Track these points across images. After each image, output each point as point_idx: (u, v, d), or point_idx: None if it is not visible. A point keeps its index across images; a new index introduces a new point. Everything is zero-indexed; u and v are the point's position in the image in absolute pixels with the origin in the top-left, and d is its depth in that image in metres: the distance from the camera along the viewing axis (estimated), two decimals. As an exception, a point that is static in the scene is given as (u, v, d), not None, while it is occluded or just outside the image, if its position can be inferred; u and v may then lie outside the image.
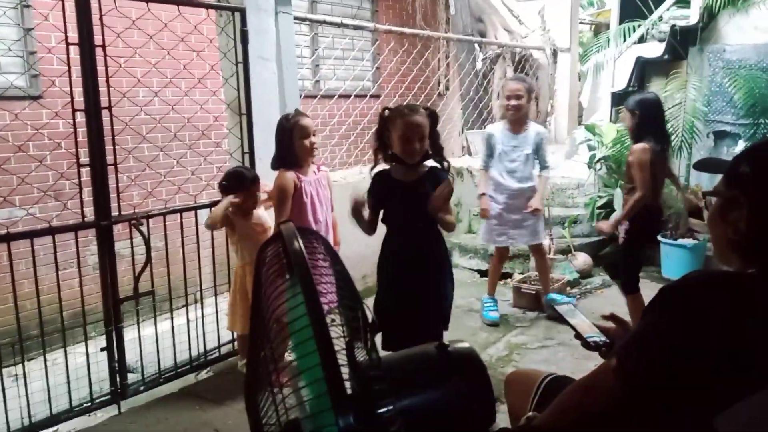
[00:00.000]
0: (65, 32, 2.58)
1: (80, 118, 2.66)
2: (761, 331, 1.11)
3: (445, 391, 1.01)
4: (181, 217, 3.10)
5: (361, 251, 3.20)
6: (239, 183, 3.01)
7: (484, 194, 3.94)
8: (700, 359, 1.13)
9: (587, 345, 1.56)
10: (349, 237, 3.11)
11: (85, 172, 2.71)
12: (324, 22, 4.26)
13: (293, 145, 2.98)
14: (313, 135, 3.06)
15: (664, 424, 1.20)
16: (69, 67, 2.60)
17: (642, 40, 6.47)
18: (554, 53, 6.94)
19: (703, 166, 1.49)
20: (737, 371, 1.12)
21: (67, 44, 2.59)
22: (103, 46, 2.67)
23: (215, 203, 3.29)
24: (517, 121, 3.82)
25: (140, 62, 3.36)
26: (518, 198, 3.88)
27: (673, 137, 4.81)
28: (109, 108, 2.71)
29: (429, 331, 2.53)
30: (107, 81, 2.70)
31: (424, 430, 0.95)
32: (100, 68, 2.68)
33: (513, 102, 3.74)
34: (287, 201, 2.98)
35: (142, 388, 3.01)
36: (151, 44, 3.08)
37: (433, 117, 2.52)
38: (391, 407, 0.81)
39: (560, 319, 1.67)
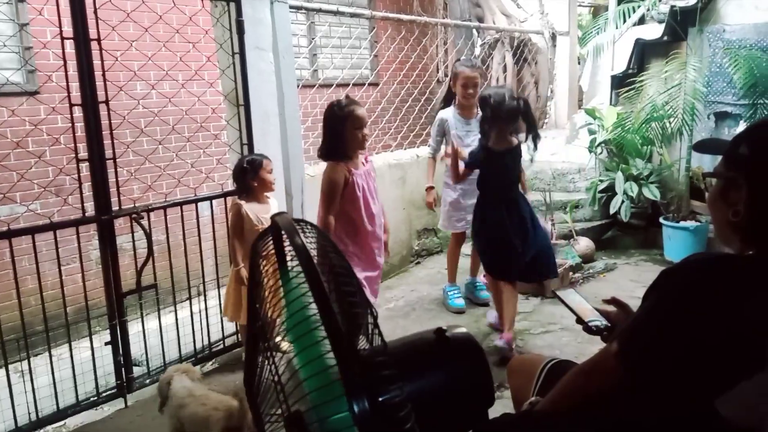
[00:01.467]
0: (60, 27, 2.56)
1: (78, 112, 2.65)
2: (761, 313, 1.11)
3: (445, 375, 1.01)
4: (181, 210, 3.10)
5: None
6: (259, 162, 3.05)
7: (432, 187, 3.90)
8: (701, 342, 1.13)
9: (589, 329, 1.57)
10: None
11: (85, 167, 2.71)
12: (320, 11, 4.23)
13: (345, 135, 2.86)
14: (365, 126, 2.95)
15: (666, 407, 1.21)
16: (65, 62, 2.59)
17: (641, 21, 6.42)
18: (553, 37, 6.89)
19: (703, 147, 1.48)
20: (738, 353, 1.12)
21: (62, 39, 2.58)
22: (99, 40, 2.66)
23: (216, 196, 3.30)
24: (470, 106, 3.82)
25: (136, 55, 3.34)
26: (473, 183, 3.68)
27: (673, 119, 4.80)
28: (107, 102, 2.70)
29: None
30: (103, 75, 2.69)
31: (427, 414, 0.95)
32: (96, 62, 2.66)
33: (470, 90, 3.73)
34: (337, 195, 2.88)
35: (147, 381, 3.03)
36: (147, 37, 3.06)
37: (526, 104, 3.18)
38: (399, 393, 0.81)
39: (562, 303, 1.67)
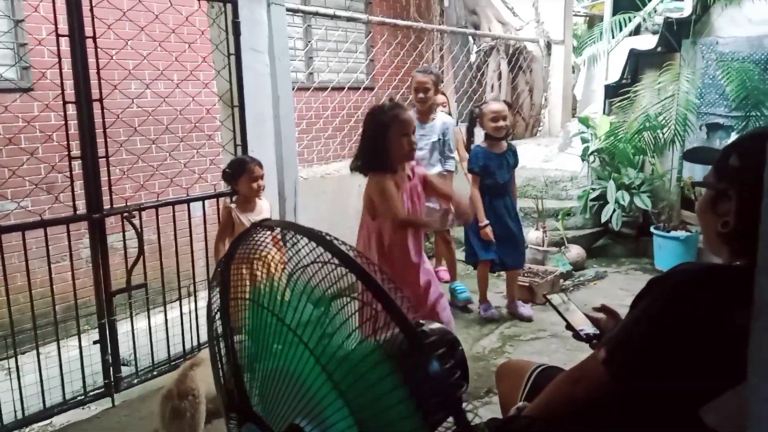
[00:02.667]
0: (55, 23, 2.56)
1: (72, 110, 2.64)
2: (747, 324, 1.12)
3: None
4: (173, 210, 3.09)
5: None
6: (241, 166, 3.04)
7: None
8: (687, 351, 1.14)
9: (578, 336, 1.58)
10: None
11: (77, 164, 2.70)
12: (317, 14, 4.24)
13: (390, 144, 2.56)
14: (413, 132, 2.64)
15: (652, 415, 1.21)
16: (59, 59, 2.58)
17: (636, 32, 6.47)
18: (548, 45, 6.94)
19: (694, 156, 1.49)
20: (724, 362, 1.13)
21: (57, 36, 2.57)
22: (94, 38, 2.65)
23: (208, 196, 3.29)
24: (425, 111, 3.97)
25: (132, 54, 3.34)
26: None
27: (665, 129, 4.83)
28: (100, 100, 2.69)
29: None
30: (98, 73, 2.68)
31: None
32: (91, 60, 2.66)
33: (420, 95, 3.90)
34: (395, 197, 2.56)
35: (135, 380, 3.01)
36: (143, 36, 3.06)
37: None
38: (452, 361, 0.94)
39: (553, 310, 1.68)
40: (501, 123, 3.69)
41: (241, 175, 3.06)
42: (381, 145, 2.57)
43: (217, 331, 1.19)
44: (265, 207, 3.20)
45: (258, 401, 1.10)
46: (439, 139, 3.97)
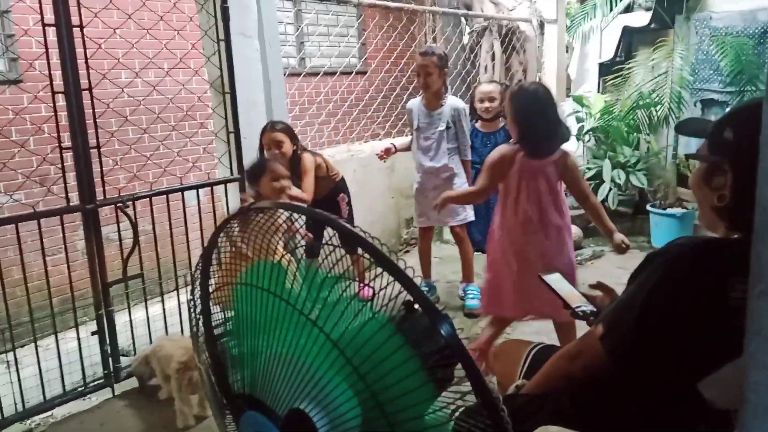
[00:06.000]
0: (41, 13, 2.52)
1: (61, 101, 2.61)
2: (743, 298, 1.12)
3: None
4: (167, 199, 3.08)
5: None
6: (262, 167, 2.96)
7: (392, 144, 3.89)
8: (683, 325, 1.14)
9: (575, 314, 1.58)
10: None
11: (70, 156, 2.68)
12: (307, -2, 4.20)
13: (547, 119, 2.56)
14: None
15: (650, 390, 1.21)
16: (47, 49, 2.54)
17: (629, 9, 6.42)
18: (541, 25, 6.88)
19: (686, 128, 1.48)
20: (721, 336, 1.13)
21: (44, 25, 2.54)
22: (81, 27, 2.61)
23: (202, 185, 3.27)
24: (432, 97, 3.64)
25: (120, 42, 3.30)
26: (432, 177, 3.71)
27: (659, 107, 4.82)
28: (90, 90, 2.67)
29: None
30: (86, 62, 2.65)
31: None
32: (79, 50, 2.63)
33: (422, 79, 3.57)
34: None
35: (135, 370, 3.01)
36: (131, 24, 3.02)
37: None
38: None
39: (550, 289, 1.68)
40: (487, 104, 3.75)
41: (262, 175, 2.97)
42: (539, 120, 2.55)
43: (200, 324, 1.19)
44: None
45: (257, 389, 1.10)
46: (449, 128, 3.66)
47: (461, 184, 3.69)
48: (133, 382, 2.97)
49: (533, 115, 2.58)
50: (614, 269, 4.33)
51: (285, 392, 1.02)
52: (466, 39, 6.93)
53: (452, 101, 3.72)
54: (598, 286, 1.60)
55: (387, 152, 3.83)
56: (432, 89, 3.60)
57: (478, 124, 3.99)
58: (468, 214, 3.76)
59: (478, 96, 3.87)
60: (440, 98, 3.66)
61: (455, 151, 3.72)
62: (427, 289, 3.96)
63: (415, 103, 3.79)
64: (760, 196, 0.52)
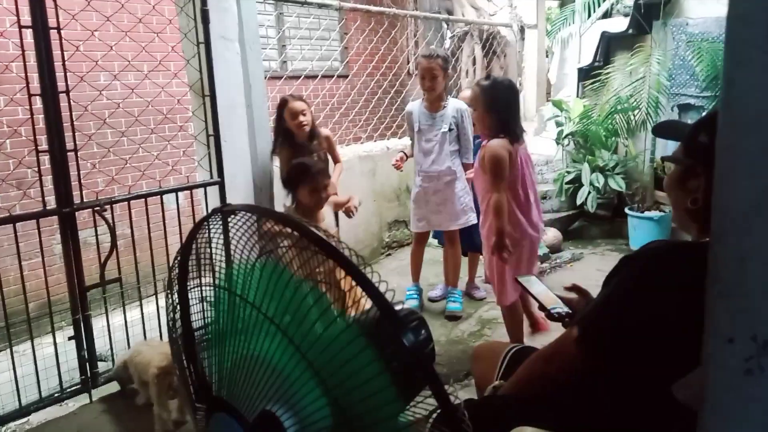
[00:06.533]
0: (17, 15, 2.49)
1: (38, 104, 2.59)
2: None
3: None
4: (146, 203, 3.05)
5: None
6: (303, 175, 2.83)
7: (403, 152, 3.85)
8: (657, 327, 1.16)
9: (551, 316, 1.59)
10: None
11: (47, 159, 2.65)
12: (288, 0, 4.19)
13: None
14: None
15: (624, 391, 1.23)
16: (23, 51, 2.52)
17: (607, 14, 6.50)
18: (521, 30, 6.94)
19: (662, 130, 1.50)
20: (694, 338, 1.15)
21: (20, 27, 2.51)
22: (58, 29, 2.59)
23: (182, 188, 3.25)
24: (435, 99, 3.63)
25: (99, 45, 3.27)
26: (433, 181, 3.67)
27: (637, 111, 4.88)
28: (67, 92, 2.64)
29: None
30: (63, 64, 2.63)
31: None
32: (57, 52, 2.60)
33: (428, 82, 3.55)
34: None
35: (113, 376, 2.98)
36: (110, 26, 3.00)
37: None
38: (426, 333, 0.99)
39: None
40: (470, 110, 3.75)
41: (303, 183, 2.86)
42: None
43: (177, 322, 1.19)
44: (327, 213, 3.08)
45: (225, 392, 1.10)
46: (451, 129, 3.63)
47: (462, 188, 3.67)
48: (110, 388, 2.94)
49: (513, 103, 2.92)
50: (593, 271, 4.38)
51: (254, 394, 1.02)
52: (447, 43, 6.97)
53: (454, 103, 3.71)
54: (573, 288, 1.62)
55: (402, 161, 3.80)
56: (437, 91, 3.59)
57: (424, 105, 3.83)
58: (470, 217, 3.71)
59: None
60: (442, 100, 3.65)
61: (457, 154, 3.69)
62: (416, 291, 3.96)
63: (415, 105, 3.75)
64: (716, 198, 0.53)
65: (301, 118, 3.45)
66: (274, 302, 0.99)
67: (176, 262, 1.22)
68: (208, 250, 1.19)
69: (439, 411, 0.94)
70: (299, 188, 2.89)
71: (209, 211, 1.18)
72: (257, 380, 1.00)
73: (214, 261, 1.15)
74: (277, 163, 3.62)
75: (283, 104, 3.50)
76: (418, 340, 0.90)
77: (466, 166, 3.71)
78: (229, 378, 1.06)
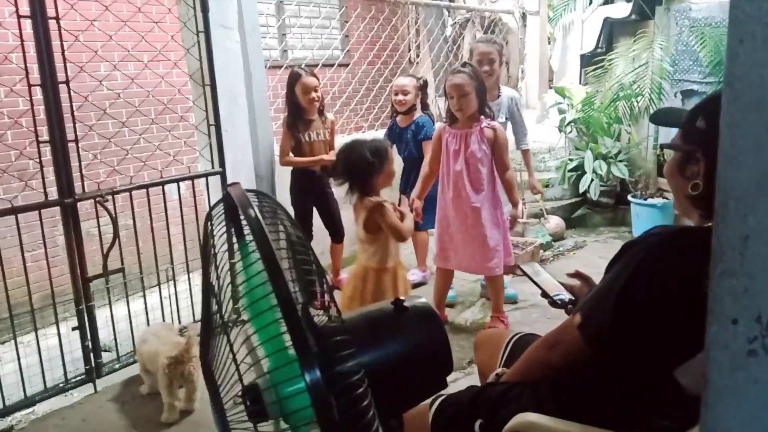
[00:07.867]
0: (16, 5, 2.48)
1: (39, 94, 2.58)
2: None
3: (404, 344, 1.02)
4: (147, 193, 3.05)
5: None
6: (386, 154, 2.49)
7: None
8: (660, 313, 1.15)
9: (554, 303, 1.59)
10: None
11: (48, 149, 2.65)
12: (288, -11, 4.17)
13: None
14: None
15: (628, 377, 1.23)
16: (22, 42, 2.51)
17: (609, 0, 6.45)
18: (523, 17, 6.90)
19: (660, 118, 1.49)
20: (697, 324, 1.14)
21: (19, 17, 2.50)
22: (57, 18, 2.58)
23: (183, 178, 3.25)
24: (489, 87, 3.44)
25: (98, 35, 3.26)
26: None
27: (640, 98, 4.85)
28: (67, 82, 2.63)
29: None
30: (63, 54, 2.62)
31: (388, 381, 0.96)
32: (56, 42, 2.59)
33: (486, 67, 3.44)
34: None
35: (117, 366, 3.00)
36: (109, 16, 2.98)
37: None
38: (354, 360, 0.82)
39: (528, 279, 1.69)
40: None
41: (385, 163, 2.50)
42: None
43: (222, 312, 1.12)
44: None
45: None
46: (507, 119, 3.57)
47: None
48: (114, 378, 2.96)
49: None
50: (596, 259, 4.37)
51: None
52: (448, 31, 6.94)
53: (508, 91, 3.67)
54: (576, 275, 1.62)
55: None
56: (494, 77, 3.52)
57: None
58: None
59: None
60: (496, 88, 3.58)
61: (519, 140, 3.74)
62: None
63: None
64: (720, 177, 0.52)
65: (313, 94, 3.46)
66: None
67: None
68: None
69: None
70: (384, 169, 2.51)
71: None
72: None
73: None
74: (277, 151, 3.61)
75: (295, 78, 3.47)
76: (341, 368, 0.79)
77: (524, 153, 3.81)
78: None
